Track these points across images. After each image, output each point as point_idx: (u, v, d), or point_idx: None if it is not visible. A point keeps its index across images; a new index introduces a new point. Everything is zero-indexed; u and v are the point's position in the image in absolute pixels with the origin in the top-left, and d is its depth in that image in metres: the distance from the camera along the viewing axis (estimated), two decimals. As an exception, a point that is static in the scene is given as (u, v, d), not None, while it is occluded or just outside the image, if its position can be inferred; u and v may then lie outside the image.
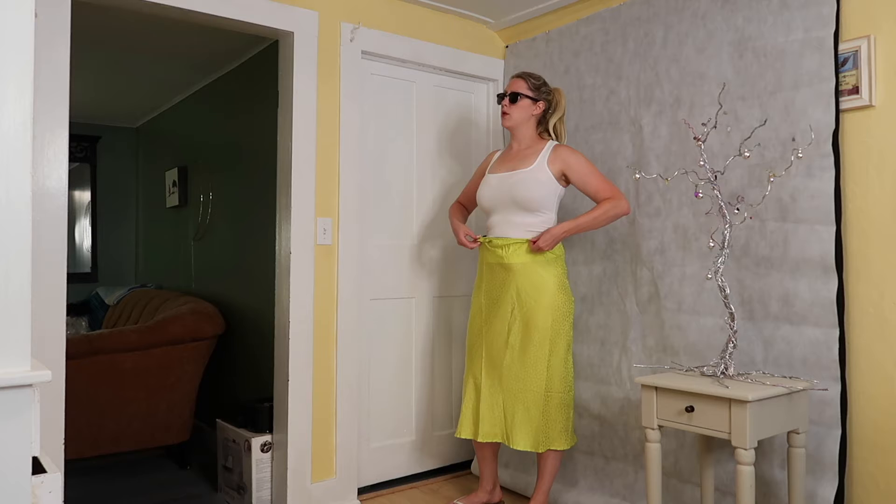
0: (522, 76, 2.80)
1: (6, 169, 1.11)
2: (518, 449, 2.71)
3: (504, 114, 2.78)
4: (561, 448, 2.71)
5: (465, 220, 3.08)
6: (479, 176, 2.97)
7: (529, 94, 2.76)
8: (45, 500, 1.14)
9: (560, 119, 2.84)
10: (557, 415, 2.69)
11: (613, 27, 2.98)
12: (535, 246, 2.66)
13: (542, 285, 2.68)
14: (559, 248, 2.76)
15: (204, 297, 4.06)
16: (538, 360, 2.66)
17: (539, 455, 2.77)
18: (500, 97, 2.82)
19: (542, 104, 2.80)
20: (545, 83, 2.83)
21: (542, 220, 2.72)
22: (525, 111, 2.77)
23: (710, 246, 2.30)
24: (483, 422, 2.76)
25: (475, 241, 2.83)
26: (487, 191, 2.81)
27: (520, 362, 2.68)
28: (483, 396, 2.76)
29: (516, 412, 2.69)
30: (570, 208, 3.03)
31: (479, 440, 2.77)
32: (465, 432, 2.82)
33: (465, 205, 3.08)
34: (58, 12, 2.32)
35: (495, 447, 2.91)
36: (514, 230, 2.73)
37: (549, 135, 2.85)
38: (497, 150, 3.02)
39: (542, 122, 2.84)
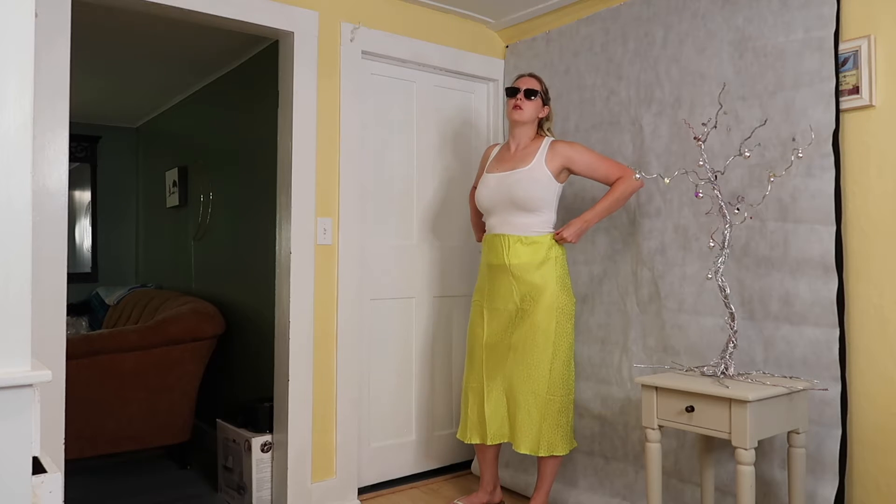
0: (536, 77, 2.83)
1: (6, 169, 1.11)
2: (519, 452, 2.70)
3: (517, 107, 2.75)
4: (561, 453, 2.69)
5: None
6: (479, 178, 2.96)
7: (543, 94, 2.80)
8: (45, 500, 1.14)
9: (550, 127, 2.88)
10: (558, 418, 2.68)
11: (613, 27, 2.98)
12: (560, 237, 2.68)
13: (544, 286, 2.67)
14: (560, 248, 2.75)
15: (204, 297, 4.06)
16: (541, 362, 2.64)
17: (539, 457, 2.76)
18: (513, 91, 2.77)
19: (547, 109, 2.83)
20: (548, 91, 2.88)
21: (542, 220, 2.72)
22: (536, 110, 2.78)
23: (710, 246, 2.30)
24: (490, 424, 2.74)
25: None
26: (486, 191, 2.80)
27: (522, 364, 2.67)
28: (487, 399, 2.75)
29: (518, 415, 2.68)
30: (572, 207, 3.03)
31: (488, 443, 2.76)
32: (473, 437, 2.80)
33: (477, 212, 3.03)
34: (58, 12, 2.32)
35: (497, 448, 2.91)
36: (514, 230, 2.71)
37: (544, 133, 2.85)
38: (496, 144, 2.99)
39: (540, 125, 2.85)
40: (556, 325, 2.66)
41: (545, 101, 2.81)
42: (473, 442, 2.81)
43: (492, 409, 2.74)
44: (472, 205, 3.07)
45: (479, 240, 3.02)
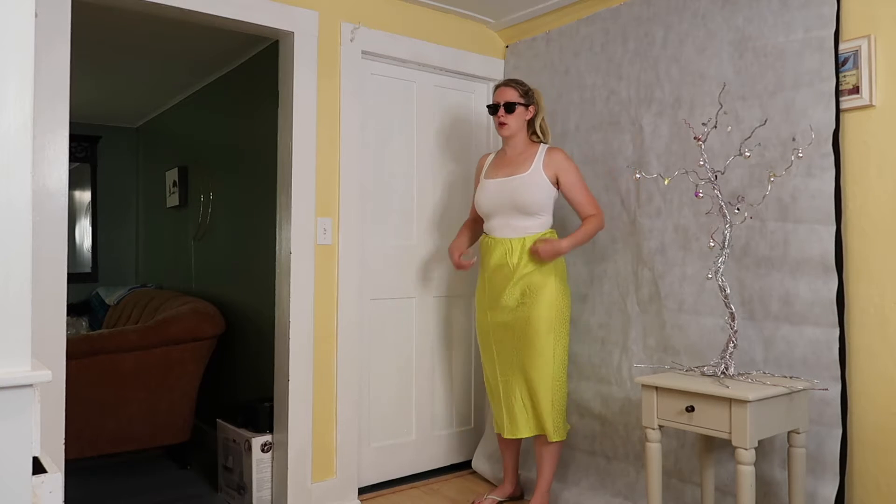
0: (510, 84, 2.83)
1: (6, 169, 1.11)
2: (523, 436, 2.78)
3: (502, 124, 2.80)
4: (557, 439, 2.75)
5: (472, 239, 3.06)
6: (479, 181, 2.99)
7: (522, 101, 2.80)
8: (45, 500, 1.14)
9: (543, 118, 2.89)
10: (562, 403, 2.77)
11: (614, 27, 2.98)
12: (535, 252, 2.70)
13: (544, 283, 2.73)
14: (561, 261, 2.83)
15: (204, 297, 4.06)
16: (544, 350, 2.71)
17: (537, 451, 2.81)
18: (493, 108, 2.83)
19: (532, 108, 2.84)
20: (529, 87, 2.86)
21: (541, 223, 2.77)
22: (520, 118, 2.81)
23: (710, 246, 2.30)
24: (506, 417, 2.83)
25: (468, 263, 2.89)
26: (486, 196, 2.85)
27: (529, 355, 2.73)
28: (503, 393, 2.83)
29: (521, 402, 2.76)
30: (568, 208, 3.04)
31: (504, 436, 2.85)
32: (498, 428, 2.91)
33: (475, 220, 3.06)
34: (58, 12, 2.32)
35: (518, 439, 2.96)
36: (515, 232, 2.77)
37: (538, 136, 2.88)
38: (488, 154, 3.03)
39: (530, 125, 2.88)
40: (556, 316, 2.73)
41: (527, 104, 2.82)
42: (501, 433, 2.91)
43: (506, 403, 2.82)
44: (471, 214, 3.09)
45: (460, 245, 2.99)
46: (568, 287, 2.84)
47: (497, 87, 2.87)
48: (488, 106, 2.88)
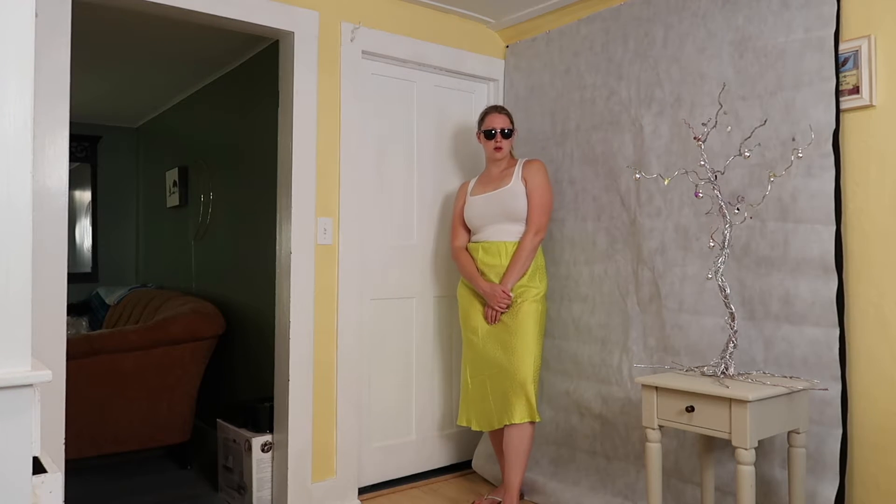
0: (503, 112, 3.02)
1: (7, 169, 1.11)
2: (514, 422, 2.81)
3: (498, 148, 2.96)
4: (532, 419, 2.81)
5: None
6: (461, 205, 3.09)
7: (513, 126, 3.02)
8: (45, 500, 1.14)
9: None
10: (537, 388, 2.87)
11: (614, 27, 2.98)
12: (494, 312, 2.86)
13: (530, 281, 2.88)
14: (539, 256, 2.95)
15: (204, 297, 4.06)
16: (530, 339, 2.83)
17: (512, 435, 2.82)
18: (490, 134, 2.96)
19: (515, 133, 3.06)
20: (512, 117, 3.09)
21: (522, 228, 2.91)
22: (511, 142, 3.03)
23: (710, 246, 2.30)
24: (479, 410, 2.95)
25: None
26: (476, 210, 3.00)
27: (518, 344, 2.83)
28: (492, 384, 2.90)
29: (512, 391, 2.81)
30: (572, 207, 3.05)
31: (486, 429, 2.95)
32: (462, 421, 3.03)
33: (465, 243, 3.09)
34: (58, 12, 2.32)
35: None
36: (509, 236, 2.92)
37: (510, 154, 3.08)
38: (467, 182, 3.14)
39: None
40: (541, 309, 2.90)
41: (514, 128, 3.03)
42: (483, 429, 2.97)
43: (498, 393, 2.88)
44: (460, 257, 3.05)
45: (484, 283, 2.93)
46: (546, 286, 2.97)
47: (487, 113, 3.02)
48: (484, 131, 3.00)
